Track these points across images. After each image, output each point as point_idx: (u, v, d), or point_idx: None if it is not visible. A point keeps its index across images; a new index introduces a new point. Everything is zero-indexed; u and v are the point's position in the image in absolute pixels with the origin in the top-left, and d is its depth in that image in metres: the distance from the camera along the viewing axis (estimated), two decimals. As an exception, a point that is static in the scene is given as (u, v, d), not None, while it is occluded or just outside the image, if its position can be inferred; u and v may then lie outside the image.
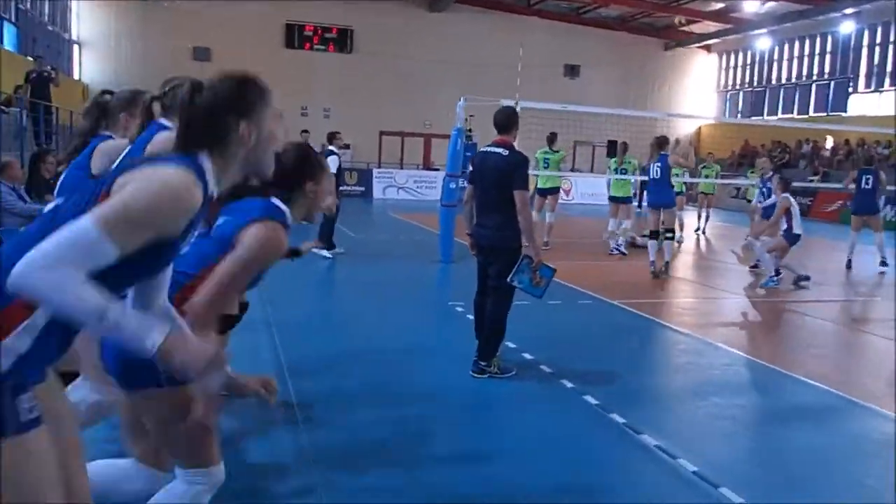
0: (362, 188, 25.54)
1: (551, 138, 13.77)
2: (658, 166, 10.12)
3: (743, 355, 6.24)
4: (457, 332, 6.56)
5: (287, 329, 6.35)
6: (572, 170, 28.69)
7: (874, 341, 7.23)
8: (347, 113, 28.35)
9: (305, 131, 17.10)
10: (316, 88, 28.80)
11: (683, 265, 12.24)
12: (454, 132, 11.32)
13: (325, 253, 11.02)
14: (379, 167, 28.21)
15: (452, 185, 10.97)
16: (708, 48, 33.23)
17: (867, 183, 11.69)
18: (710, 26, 30.33)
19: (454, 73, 28.13)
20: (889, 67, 25.06)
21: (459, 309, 7.48)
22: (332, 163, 11.12)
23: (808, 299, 9.16)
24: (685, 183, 14.88)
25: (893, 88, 24.76)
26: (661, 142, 10.43)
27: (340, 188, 11.64)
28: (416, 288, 8.90)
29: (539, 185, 13.12)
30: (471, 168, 5.55)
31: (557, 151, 13.46)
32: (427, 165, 29.27)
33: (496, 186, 5.23)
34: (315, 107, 28.87)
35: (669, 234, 10.26)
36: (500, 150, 5.29)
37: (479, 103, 11.82)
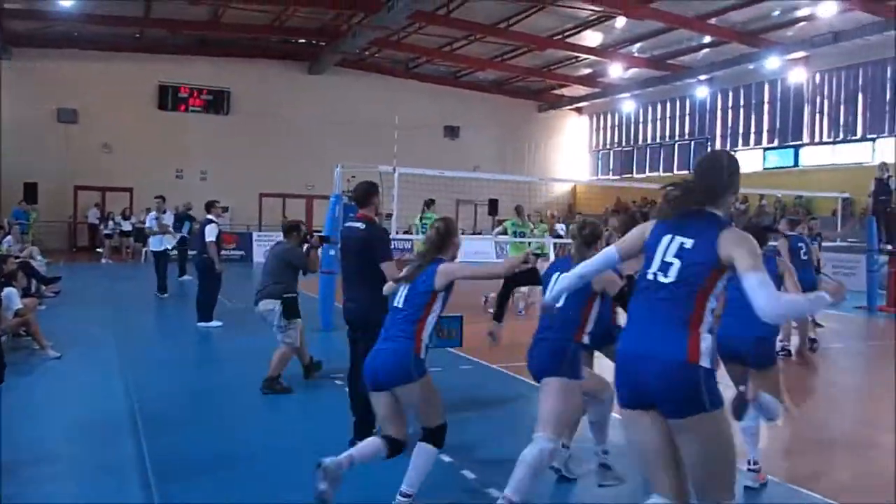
0: (241, 252, 24.87)
1: (428, 203, 13.98)
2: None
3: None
4: (334, 408, 6.32)
5: (154, 423, 5.94)
6: (309, 234, 29.00)
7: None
8: (226, 175, 27.73)
9: (159, 197, 16.51)
10: (192, 150, 28.09)
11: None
12: (332, 198, 11.21)
13: (210, 324, 10.62)
14: (259, 230, 27.63)
15: (332, 252, 10.77)
16: (579, 110, 34.88)
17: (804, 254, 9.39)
18: (579, 90, 31.89)
19: (336, 134, 28.16)
20: (741, 129, 27.03)
21: (339, 382, 7.26)
22: (211, 232, 10.76)
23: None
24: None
25: (746, 148, 26.68)
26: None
27: (221, 255, 11.20)
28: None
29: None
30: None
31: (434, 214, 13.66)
32: (309, 228, 28.82)
33: (358, 261, 5.30)
34: (191, 169, 28.12)
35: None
36: (358, 224, 5.32)
37: (357, 170, 11.76)
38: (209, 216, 11.06)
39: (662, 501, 2.91)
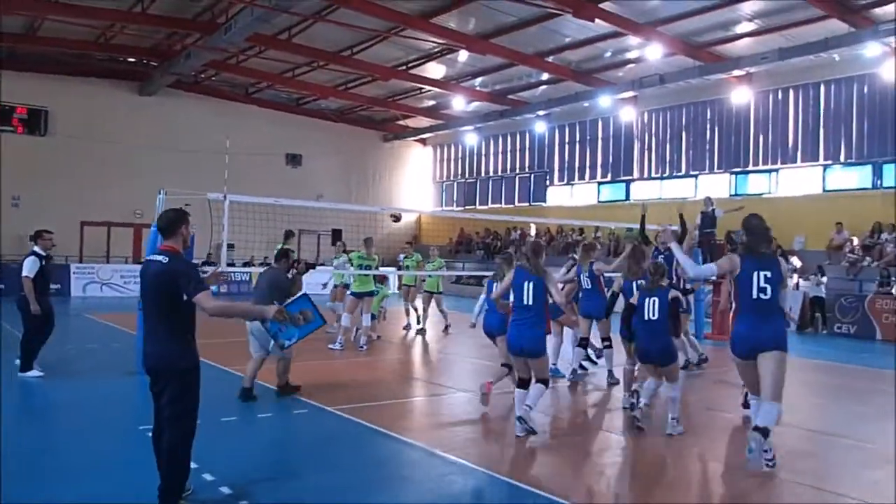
0: (58, 286, 22.67)
1: (288, 234, 13.72)
2: (587, 276, 9.42)
3: (467, 465, 5.89)
4: (144, 466, 5.48)
5: None
6: (297, 260, 28.10)
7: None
8: (42, 201, 25.28)
9: None
10: (2, 174, 25.40)
11: (417, 362, 12.09)
12: (153, 227, 10.16)
13: (29, 374, 9.23)
14: (80, 261, 25.40)
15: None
16: (423, 141, 35.10)
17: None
18: (424, 121, 32.08)
19: (169, 160, 26.56)
20: (577, 163, 28.14)
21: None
22: (28, 267, 9.20)
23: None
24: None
25: (581, 182, 27.77)
26: (589, 248, 9.71)
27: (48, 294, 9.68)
28: (102, 410, 7.59)
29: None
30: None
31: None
32: (137, 258, 26.87)
33: (158, 299, 4.63)
34: (2, 196, 25.42)
35: (606, 343, 9.48)
36: (160, 257, 4.64)
37: (185, 197, 10.80)
38: (35, 247, 9.51)
39: (759, 399, 5.75)
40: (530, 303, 6.72)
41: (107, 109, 27.14)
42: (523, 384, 6.81)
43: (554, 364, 9.76)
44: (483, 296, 8.65)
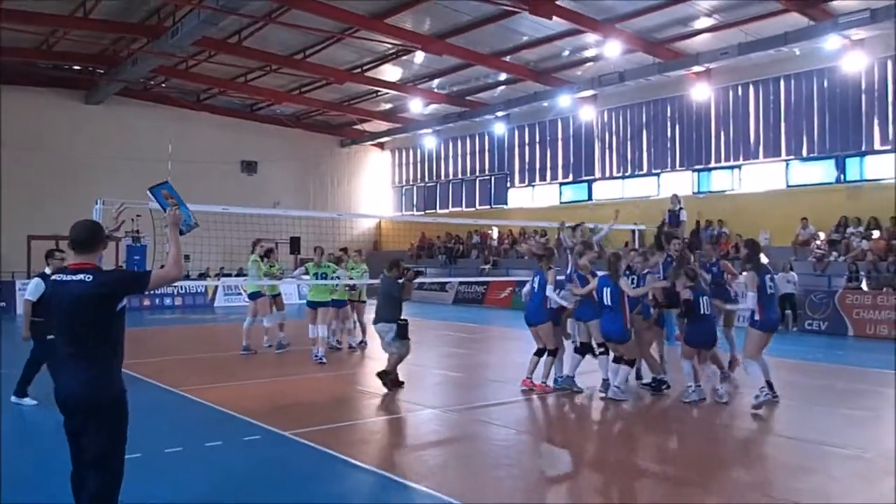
0: (2, 304, 21.69)
1: (255, 243, 13.55)
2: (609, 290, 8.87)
3: (438, 497, 5.34)
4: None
5: None
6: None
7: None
8: (-16, 214, 24.15)
9: None
10: (-56, 186, 24.19)
11: (373, 376, 11.50)
12: (140, 245, 9.41)
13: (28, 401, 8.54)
14: (28, 277, 24.27)
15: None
16: (381, 145, 34.49)
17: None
18: (381, 125, 31.49)
19: (120, 169, 25.54)
20: (538, 164, 27.81)
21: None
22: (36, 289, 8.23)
23: (491, 402, 8.85)
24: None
25: (543, 183, 27.44)
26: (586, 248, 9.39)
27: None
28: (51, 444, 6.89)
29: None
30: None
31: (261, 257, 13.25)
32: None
33: (87, 322, 3.98)
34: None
35: (602, 349, 9.13)
36: (80, 276, 3.96)
37: (129, 205, 10.10)
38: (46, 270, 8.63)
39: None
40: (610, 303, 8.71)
41: (53, 119, 26.13)
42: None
43: (561, 375, 9.42)
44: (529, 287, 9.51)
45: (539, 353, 9.35)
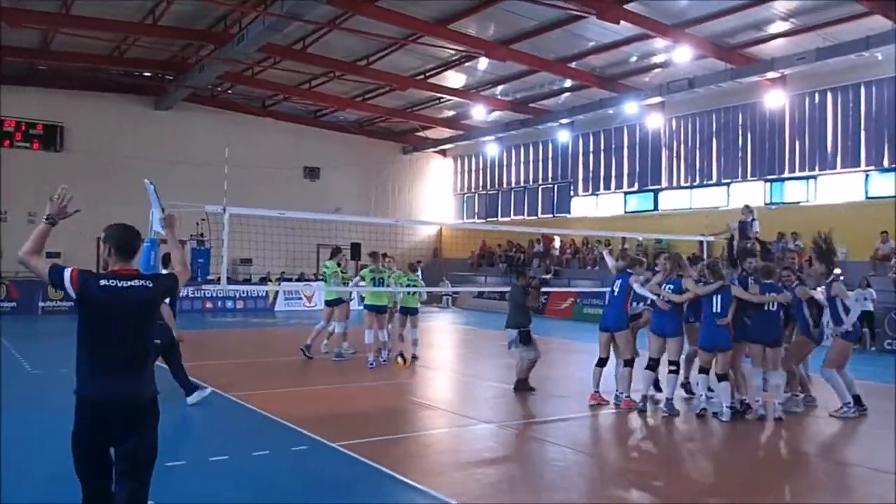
0: (69, 303, 22.19)
1: (334, 251, 13.45)
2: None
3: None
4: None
5: None
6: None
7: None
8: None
9: None
10: (18, 191, 25.01)
11: (431, 387, 11.27)
12: (147, 243, 9.43)
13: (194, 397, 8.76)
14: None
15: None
16: (443, 152, 34.36)
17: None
18: (443, 132, 31.34)
19: (185, 174, 25.98)
20: (602, 173, 27.22)
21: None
22: None
23: (551, 418, 8.49)
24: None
25: (607, 192, 26.83)
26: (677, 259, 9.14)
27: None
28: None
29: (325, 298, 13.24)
30: (85, 306, 3.95)
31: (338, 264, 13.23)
32: (154, 274, 26.37)
33: (145, 328, 4.00)
34: (18, 212, 24.99)
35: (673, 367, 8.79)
36: (144, 282, 3.90)
37: (184, 209, 10.12)
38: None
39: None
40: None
41: (122, 124, 26.81)
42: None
43: (620, 392, 8.99)
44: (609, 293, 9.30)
45: (601, 364, 8.98)
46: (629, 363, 8.87)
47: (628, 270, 9.00)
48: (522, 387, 9.88)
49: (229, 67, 23.06)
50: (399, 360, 10.74)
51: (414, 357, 12.67)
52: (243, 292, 24.50)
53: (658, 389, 9.19)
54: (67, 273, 3.88)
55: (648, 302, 9.00)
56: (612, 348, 9.07)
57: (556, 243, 28.16)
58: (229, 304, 24.85)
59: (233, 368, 11.81)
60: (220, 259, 10.74)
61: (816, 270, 8.94)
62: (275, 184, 28.08)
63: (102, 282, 3.93)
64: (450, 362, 14.31)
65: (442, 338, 18.81)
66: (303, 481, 5.87)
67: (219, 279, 11.30)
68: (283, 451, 6.63)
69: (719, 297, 8.29)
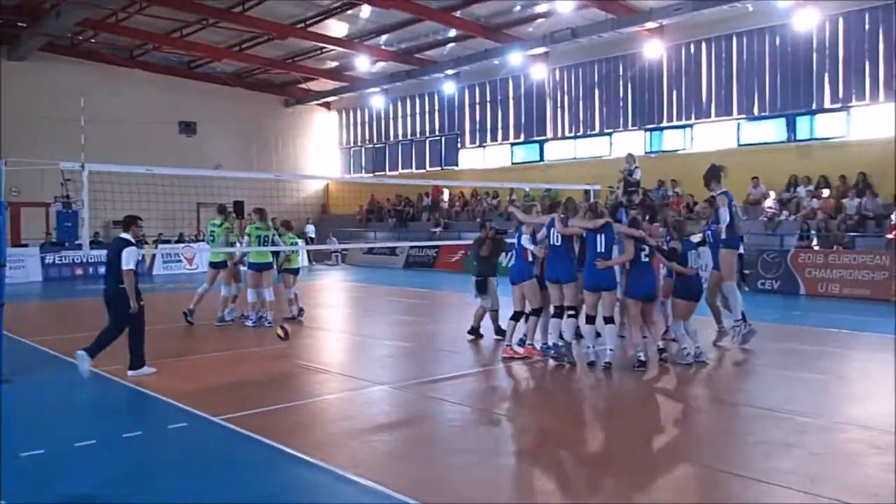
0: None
1: (221, 208, 12.62)
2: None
3: (390, 496, 4.79)
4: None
5: None
6: (197, 236, 26.31)
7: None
8: None
9: None
10: None
11: (322, 348, 10.90)
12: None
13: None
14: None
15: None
16: (328, 105, 33.38)
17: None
18: (327, 84, 30.39)
19: (47, 130, 24.03)
20: (489, 125, 27.16)
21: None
22: (131, 256, 8.11)
23: (446, 375, 8.35)
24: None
25: (494, 144, 26.84)
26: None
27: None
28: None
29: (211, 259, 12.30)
30: None
31: (223, 224, 12.28)
32: (17, 242, 24.41)
33: None
34: None
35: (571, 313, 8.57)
36: None
37: (37, 167, 9.20)
38: (124, 235, 8.24)
39: None
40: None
41: (-28, 76, 24.43)
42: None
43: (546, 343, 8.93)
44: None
45: (516, 317, 8.94)
46: (537, 312, 8.88)
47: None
48: (473, 333, 10.25)
49: (90, 13, 21.29)
50: (279, 331, 10.17)
51: (301, 311, 12.44)
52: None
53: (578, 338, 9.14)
54: None
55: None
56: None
57: (445, 196, 28.05)
58: (101, 269, 23.30)
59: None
60: (82, 222, 9.85)
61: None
62: (148, 140, 26.49)
63: None
64: (340, 322, 13.96)
65: (331, 297, 18.38)
66: (181, 464, 5.44)
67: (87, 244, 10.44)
68: (159, 430, 6.15)
69: (603, 236, 8.31)
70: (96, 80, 25.86)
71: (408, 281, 20.74)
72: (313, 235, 27.89)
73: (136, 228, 8.38)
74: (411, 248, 25.08)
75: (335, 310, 15.88)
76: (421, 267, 24.88)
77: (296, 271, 12.68)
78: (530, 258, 8.93)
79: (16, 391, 7.63)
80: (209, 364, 9.13)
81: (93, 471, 5.26)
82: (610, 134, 23.24)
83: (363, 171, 32.35)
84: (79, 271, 22.66)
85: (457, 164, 28.14)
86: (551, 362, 8.64)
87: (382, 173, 30.80)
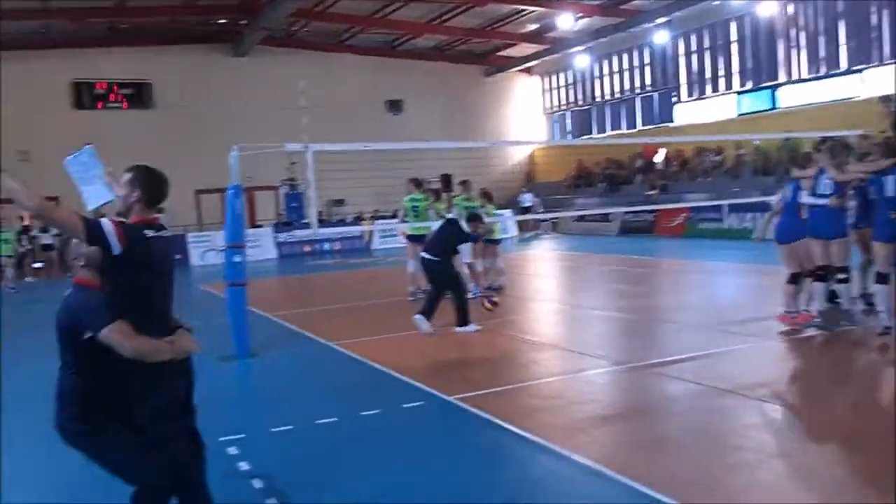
0: (178, 256, 22.40)
1: (418, 183, 12.24)
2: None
3: (634, 487, 4.04)
4: None
5: None
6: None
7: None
8: (154, 174, 25.03)
9: None
10: (116, 150, 24.86)
11: (542, 323, 10.30)
12: (231, 190, 8.73)
13: None
14: (200, 230, 25.14)
15: (237, 259, 8.38)
16: (529, 71, 32.53)
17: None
18: (527, 48, 29.60)
19: (272, 119, 25.56)
20: (709, 74, 24.99)
21: (232, 451, 4.98)
22: None
23: (693, 354, 7.33)
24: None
25: (716, 94, 24.65)
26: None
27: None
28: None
29: (409, 233, 11.90)
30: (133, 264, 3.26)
31: (426, 197, 12.01)
32: (253, 223, 26.34)
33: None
34: (118, 170, 25.14)
35: (842, 276, 7.62)
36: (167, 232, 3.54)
37: (262, 151, 9.36)
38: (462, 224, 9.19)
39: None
40: None
41: (205, 75, 26.85)
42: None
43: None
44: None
45: (794, 280, 7.63)
46: (820, 275, 7.60)
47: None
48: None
49: (301, 3, 22.16)
50: (487, 304, 9.37)
51: (501, 287, 11.73)
52: (339, 233, 24.27)
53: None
54: (110, 225, 3.19)
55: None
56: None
57: (660, 156, 26.29)
58: (327, 246, 24.54)
59: (336, 315, 11.12)
60: (309, 202, 10.02)
61: None
62: (358, 121, 27.28)
63: (148, 232, 3.35)
64: (555, 293, 13.25)
65: (543, 266, 17.75)
66: (424, 447, 5.06)
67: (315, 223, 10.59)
68: (395, 409, 5.83)
69: (893, 178, 6.80)
70: (309, 68, 26.98)
71: (624, 248, 19.56)
72: (529, 204, 27.15)
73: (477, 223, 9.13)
74: (626, 213, 23.71)
75: (548, 280, 15.25)
76: (637, 233, 23.48)
77: (497, 241, 12.14)
78: (805, 214, 7.63)
79: (261, 365, 8.01)
80: (428, 339, 8.70)
81: (332, 450, 5.02)
82: (860, 71, 20.27)
83: (570, 135, 31.28)
84: (307, 248, 24.00)
85: (672, 121, 26.22)
86: (826, 335, 7.40)
87: (590, 136, 29.54)
